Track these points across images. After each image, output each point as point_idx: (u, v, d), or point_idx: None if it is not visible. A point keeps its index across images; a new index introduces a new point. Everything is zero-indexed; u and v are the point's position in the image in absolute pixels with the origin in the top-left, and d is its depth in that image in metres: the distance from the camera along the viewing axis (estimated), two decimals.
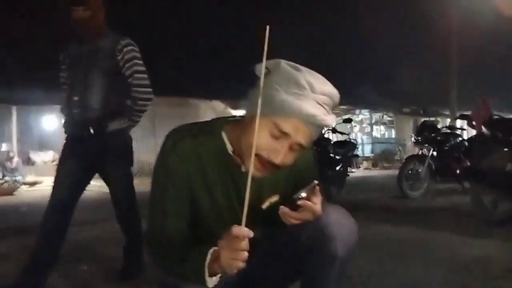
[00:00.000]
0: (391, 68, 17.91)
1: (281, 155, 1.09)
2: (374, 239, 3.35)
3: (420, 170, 6.14)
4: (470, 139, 6.33)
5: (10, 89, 11.16)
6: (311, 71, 1.12)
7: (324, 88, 1.09)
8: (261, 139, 1.08)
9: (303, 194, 1.12)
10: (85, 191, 2.56)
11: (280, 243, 1.29)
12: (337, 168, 6.30)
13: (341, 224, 1.18)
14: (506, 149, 3.77)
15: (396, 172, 6.15)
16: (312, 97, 1.07)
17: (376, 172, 13.33)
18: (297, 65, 1.11)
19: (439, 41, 16.03)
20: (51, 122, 14.15)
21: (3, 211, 6.34)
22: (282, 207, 1.13)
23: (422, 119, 18.28)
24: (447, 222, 4.15)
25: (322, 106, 1.08)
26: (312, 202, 1.12)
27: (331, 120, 1.10)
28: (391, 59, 18.17)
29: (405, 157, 15.72)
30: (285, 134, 1.08)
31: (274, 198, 1.24)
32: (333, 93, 1.11)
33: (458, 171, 5.92)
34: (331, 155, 6.28)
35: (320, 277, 1.19)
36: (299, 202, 1.12)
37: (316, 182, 1.12)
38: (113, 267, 2.71)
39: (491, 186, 3.83)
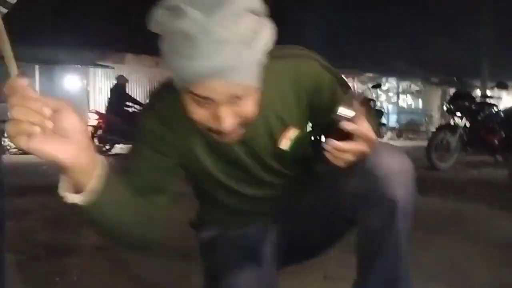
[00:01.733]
0: (421, 36, 17.29)
1: (222, 121, 0.85)
2: None
3: (450, 141, 5.86)
4: (506, 110, 5.98)
5: (34, 48, 11.13)
6: None
7: (219, 15, 0.77)
8: (194, 112, 0.87)
9: (347, 112, 0.82)
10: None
11: (321, 194, 1.08)
12: None
13: (395, 163, 0.93)
14: None
15: (421, 143, 5.86)
16: (204, 42, 0.76)
17: (400, 143, 12.95)
18: (178, 3, 0.79)
19: (470, 8, 15.31)
20: (74, 82, 14.14)
21: (25, 169, 6.36)
22: (328, 139, 0.84)
23: (452, 90, 17.75)
24: (482, 195, 3.90)
25: (225, 43, 0.77)
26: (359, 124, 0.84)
27: (248, 53, 0.80)
28: (421, 26, 17.50)
29: (431, 129, 15.33)
30: (207, 98, 0.83)
31: (292, 132, 1.03)
32: (239, 10, 0.78)
33: (493, 143, 5.61)
34: None
35: (382, 227, 0.94)
36: (348, 127, 0.81)
37: (352, 92, 0.86)
38: None
39: None
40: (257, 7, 0.82)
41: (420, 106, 19.81)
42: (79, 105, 13.29)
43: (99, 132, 8.50)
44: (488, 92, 8.54)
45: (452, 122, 6.18)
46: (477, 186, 4.49)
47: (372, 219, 0.94)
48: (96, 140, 8.44)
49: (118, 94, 8.74)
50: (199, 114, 0.86)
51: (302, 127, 1.04)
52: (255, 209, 1.13)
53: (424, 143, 6.34)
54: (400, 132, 16.32)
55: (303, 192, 1.13)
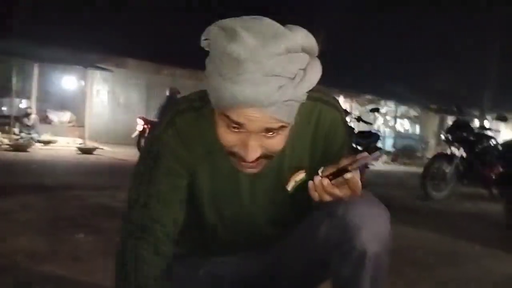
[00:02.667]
0: (422, 62, 17.42)
1: (249, 150, 0.84)
2: (395, 244, 3.06)
3: (446, 171, 5.80)
4: (505, 143, 5.94)
5: (34, 45, 11.07)
6: (257, 21, 0.79)
7: (273, 47, 0.76)
8: (223, 134, 0.85)
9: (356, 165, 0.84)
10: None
11: (298, 236, 1.04)
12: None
13: (370, 214, 0.90)
14: None
15: (416, 169, 5.80)
16: (252, 70, 0.75)
17: (395, 167, 12.91)
18: (234, 23, 0.79)
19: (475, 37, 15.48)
20: (71, 82, 14.07)
21: (15, 167, 6.24)
22: (320, 177, 0.86)
23: (450, 118, 17.81)
24: (477, 232, 3.83)
25: (273, 77, 0.76)
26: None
27: (292, 91, 0.78)
28: (422, 52, 17.65)
29: (427, 155, 15.33)
30: (240, 125, 0.82)
31: (300, 175, 1.01)
32: (293, 46, 0.78)
33: (489, 176, 5.55)
34: (353, 145, 6.03)
35: (347, 279, 0.90)
36: (348, 176, 0.84)
37: (380, 151, 0.84)
38: (111, 239, 2.51)
39: None
40: (311, 46, 0.82)
41: (417, 131, 19.86)
42: (75, 106, 13.20)
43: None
44: (487, 124, 8.53)
45: (449, 152, 6.12)
46: (472, 220, 4.42)
47: (342, 267, 0.91)
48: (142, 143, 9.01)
49: (170, 104, 9.04)
50: (228, 137, 0.85)
51: (310, 171, 1.01)
52: (233, 243, 1.09)
53: (419, 170, 6.28)
54: (395, 156, 16.30)
55: (285, 233, 1.08)
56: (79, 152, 9.37)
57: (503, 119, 6.26)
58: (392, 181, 7.96)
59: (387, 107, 19.02)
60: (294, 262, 1.05)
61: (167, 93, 9.43)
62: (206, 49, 0.83)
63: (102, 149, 10.23)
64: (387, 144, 17.72)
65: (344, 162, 0.86)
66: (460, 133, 5.93)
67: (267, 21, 0.80)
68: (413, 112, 19.53)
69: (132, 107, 13.57)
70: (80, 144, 10.75)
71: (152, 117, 9.47)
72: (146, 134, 8.92)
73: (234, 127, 0.83)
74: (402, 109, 19.41)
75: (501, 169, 5.43)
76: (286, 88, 0.78)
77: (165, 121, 0.96)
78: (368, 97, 16.98)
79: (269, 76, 0.76)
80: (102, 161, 8.20)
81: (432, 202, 5.56)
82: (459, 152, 5.88)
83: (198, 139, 0.95)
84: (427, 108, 18.25)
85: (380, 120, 18.17)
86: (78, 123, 12.89)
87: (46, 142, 10.39)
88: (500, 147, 5.86)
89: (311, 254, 0.99)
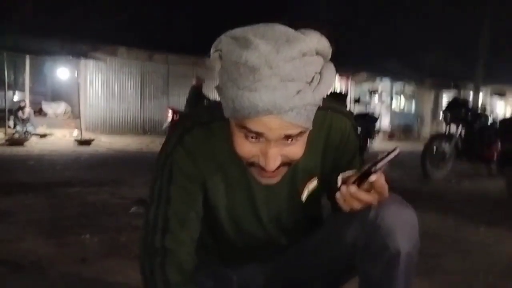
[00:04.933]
0: (417, 40, 17.31)
1: (270, 159, 0.82)
2: None
3: (445, 150, 5.82)
4: (503, 121, 5.94)
5: (24, 37, 10.91)
6: (269, 28, 0.78)
7: (288, 51, 0.74)
8: (241, 145, 0.84)
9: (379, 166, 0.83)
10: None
11: (320, 241, 1.04)
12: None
13: (400, 214, 0.91)
14: None
15: (413, 147, 5.84)
16: (268, 76, 0.73)
17: (392, 145, 12.91)
18: (245, 31, 0.78)
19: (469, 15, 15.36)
20: (64, 74, 13.92)
21: (12, 164, 6.21)
22: (347, 185, 0.85)
23: (445, 94, 17.78)
24: (480, 214, 3.84)
25: (290, 81, 0.75)
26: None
27: (311, 95, 0.77)
28: (417, 28, 17.52)
29: (423, 132, 15.33)
30: (259, 134, 0.80)
31: (313, 183, 1.01)
32: (307, 50, 0.76)
33: (487, 154, 5.58)
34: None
35: (381, 279, 0.91)
36: (373, 178, 0.83)
37: (398, 149, 0.84)
38: (115, 238, 2.51)
39: None
40: (325, 49, 0.80)
41: (413, 109, 19.85)
42: (69, 97, 13.09)
43: None
44: (484, 99, 8.54)
45: (446, 130, 6.14)
46: (474, 201, 4.43)
47: (375, 269, 0.91)
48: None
49: (196, 93, 9.34)
50: (246, 148, 0.84)
51: (322, 180, 1.03)
52: (248, 252, 1.09)
53: (416, 147, 6.28)
54: (392, 134, 16.35)
55: (303, 239, 1.08)
56: (77, 143, 9.34)
57: (501, 94, 6.25)
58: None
59: (383, 83, 18.96)
60: (318, 266, 1.05)
61: (193, 83, 9.43)
62: (215, 61, 0.81)
63: (99, 140, 10.21)
64: (384, 122, 17.73)
65: (364, 167, 0.85)
66: (459, 111, 5.94)
67: (279, 27, 0.79)
68: (408, 90, 19.49)
69: (127, 95, 13.48)
70: (76, 135, 10.71)
71: (177, 107, 9.74)
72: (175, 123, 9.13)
73: (252, 137, 0.82)
74: (398, 86, 19.36)
75: (499, 147, 5.45)
76: (304, 92, 0.76)
77: (173, 140, 0.94)
78: (364, 74, 16.91)
79: (286, 81, 0.74)
80: (100, 152, 8.18)
81: (432, 182, 5.59)
82: (458, 130, 5.90)
83: (209, 154, 0.94)
84: (422, 84, 18.20)
85: (375, 98, 18.09)
86: (73, 115, 12.81)
87: (42, 135, 10.34)
88: (498, 125, 5.87)
89: (336, 257, 0.99)
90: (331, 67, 0.82)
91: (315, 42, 0.78)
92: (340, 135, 1.01)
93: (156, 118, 13.03)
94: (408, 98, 19.87)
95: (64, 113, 13.09)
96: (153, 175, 0.97)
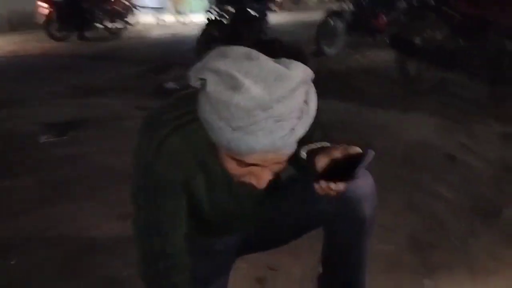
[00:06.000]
0: None
1: (263, 181, 0.88)
2: None
3: (337, 26, 6.07)
4: None
5: None
6: (254, 63, 0.76)
7: (279, 92, 0.74)
8: (233, 169, 0.87)
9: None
10: None
11: (293, 207, 1.16)
12: (254, 24, 6.08)
13: (366, 186, 1.06)
14: (436, 17, 3.72)
15: (304, 16, 5.94)
16: (263, 118, 0.74)
17: (283, 17, 12.94)
18: (229, 66, 0.76)
19: None
20: None
21: None
22: (332, 183, 0.92)
23: None
24: (375, 92, 4.22)
25: (284, 121, 0.76)
26: None
27: (302, 129, 0.79)
28: None
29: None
30: (254, 165, 0.84)
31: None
32: (295, 85, 0.76)
33: (374, 26, 5.94)
34: (248, 10, 5.98)
35: (350, 240, 1.11)
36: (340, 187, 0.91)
37: (372, 153, 0.89)
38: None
39: (417, 55, 3.86)
40: (309, 77, 0.80)
41: None
42: None
43: (53, 21, 8.77)
44: None
45: (339, 7, 6.32)
46: (368, 77, 4.80)
47: (343, 232, 1.09)
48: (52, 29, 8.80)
49: None
50: (237, 171, 0.87)
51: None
52: (228, 225, 1.18)
53: (307, 16, 6.37)
54: (281, 3, 16.25)
55: (278, 203, 1.18)
56: None
57: None
58: (283, 38, 7.98)
59: None
60: (288, 227, 1.19)
61: None
62: (197, 90, 0.81)
63: None
64: None
65: (334, 153, 0.93)
66: None
67: (263, 61, 0.77)
68: None
69: None
70: None
71: None
72: (52, 17, 8.68)
73: (246, 165, 0.84)
74: None
75: (385, 19, 5.81)
76: (297, 128, 0.78)
77: (152, 148, 0.91)
78: None
79: (281, 121, 0.76)
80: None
81: (326, 58, 5.90)
82: (348, 6, 6.12)
83: (189, 157, 0.93)
84: None
85: None
86: None
87: None
88: None
89: (307, 218, 1.15)
90: (313, 91, 0.83)
91: (301, 74, 0.77)
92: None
93: (25, 10, 11.38)
94: None
95: None
96: (134, 182, 0.96)
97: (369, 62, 5.63)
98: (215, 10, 6.10)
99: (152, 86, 4.54)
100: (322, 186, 0.91)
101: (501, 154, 2.69)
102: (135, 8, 10.68)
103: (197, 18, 11.40)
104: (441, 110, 3.57)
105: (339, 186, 0.91)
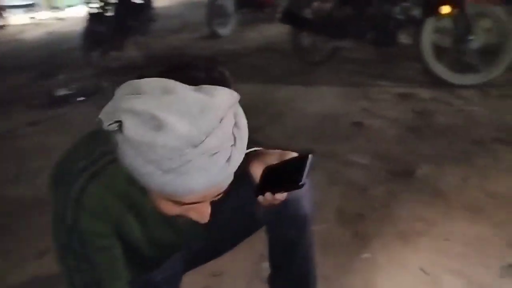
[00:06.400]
0: None
1: (205, 216, 0.81)
2: None
3: (225, 5, 6.03)
4: None
5: None
6: (173, 97, 0.68)
7: (207, 125, 0.67)
8: (169, 210, 0.79)
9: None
10: None
11: (231, 219, 1.13)
12: (140, 13, 5.80)
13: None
14: None
15: None
16: (196, 155, 0.67)
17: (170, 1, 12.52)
18: (147, 105, 0.67)
19: None
20: None
21: None
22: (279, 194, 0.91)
23: None
24: (274, 68, 4.28)
25: (218, 153, 0.69)
26: None
27: (238, 155, 0.73)
28: None
29: None
30: (194, 203, 0.77)
31: None
32: (222, 114, 0.70)
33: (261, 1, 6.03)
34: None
35: (295, 238, 1.13)
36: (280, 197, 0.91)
37: (311, 156, 0.86)
38: None
39: (308, 27, 3.95)
40: (235, 101, 0.74)
41: None
42: None
43: None
44: None
45: None
46: (266, 55, 4.84)
47: (288, 232, 1.11)
48: None
49: None
50: (174, 211, 0.79)
51: None
52: (169, 256, 1.12)
53: None
54: None
55: (217, 216, 1.11)
56: None
57: None
58: (174, 23, 7.81)
59: None
60: (228, 238, 1.18)
61: None
62: (113, 134, 0.70)
63: None
64: None
65: (269, 159, 0.92)
66: None
67: (183, 93, 0.69)
68: None
69: None
70: None
71: None
72: None
73: (185, 204, 0.76)
74: None
75: None
76: (233, 156, 0.72)
77: (70, 208, 0.80)
78: None
79: (215, 154, 0.69)
80: None
81: (220, 40, 5.86)
82: None
83: (115, 203, 0.84)
84: None
85: None
86: None
87: None
88: None
89: (250, 223, 1.14)
90: (241, 111, 0.76)
91: (226, 101, 0.70)
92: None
93: None
94: None
95: None
96: (58, 245, 0.84)
97: (264, 38, 5.68)
98: (95, 2, 5.68)
99: (41, 95, 4.15)
100: (267, 198, 0.89)
101: (402, 115, 2.88)
102: (2, 9, 9.64)
103: (75, 13, 10.62)
104: (338, 78, 3.74)
105: (284, 195, 0.89)
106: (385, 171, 2.20)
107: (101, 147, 0.80)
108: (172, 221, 0.93)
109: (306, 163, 0.85)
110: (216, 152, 0.69)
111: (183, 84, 0.72)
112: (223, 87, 0.73)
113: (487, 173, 2.09)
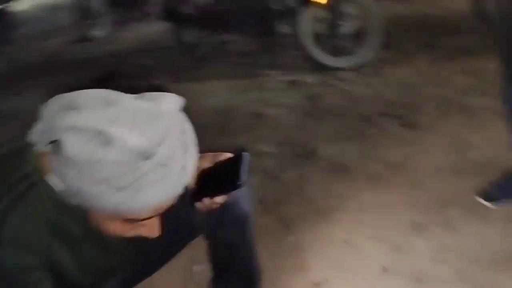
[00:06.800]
0: None
1: (154, 229, 0.77)
2: None
3: (95, 4, 5.70)
4: None
5: None
6: (118, 109, 0.65)
7: (157, 133, 0.65)
8: (117, 230, 0.75)
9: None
10: None
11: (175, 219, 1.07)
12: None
13: None
14: None
15: None
16: (151, 168, 0.64)
17: (28, 2, 11.34)
18: (89, 120, 0.63)
19: None
20: None
21: None
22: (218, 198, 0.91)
23: None
24: (160, 66, 4.16)
25: (172, 163, 0.67)
26: None
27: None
28: None
29: None
30: (147, 218, 0.74)
31: None
32: (171, 120, 0.68)
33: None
34: None
35: (237, 239, 1.13)
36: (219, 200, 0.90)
37: (246, 154, 0.87)
38: None
39: (191, 24, 3.94)
40: (180, 105, 0.71)
41: None
42: None
43: None
44: None
45: None
46: (152, 53, 4.68)
47: (230, 234, 1.11)
48: None
49: None
50: (123, 230, 0.75)
51: None
52: (114, 271, 1.04)
53: None
54: None
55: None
56: None
57: None
58: (38, 28, 7.08)
59: None
60: (171, 243, 1.10)
61: None
62: (48, 157, 0.66)
63: None
64: None
65: (202, 161, 0.88)
66: None
67: (127, 103, 0.65)
68: None
69: None
70: None
71: None
72: None
73: (137, 221, 0.72)
74: None
75: None
76: (187, 164, 0.69)
77: None
78: None
79: (168, 164, 0.65)
80: None
81: (98, 43, 5.53)
82: None
83: (40, 231, 0.76)
84: None
85: None
86: None
87: None
88: None
89: (186, 227, 1.09)
90: (184, 117, 0.73)
91: (173, 106, 0.68)
92: None
93: None
94: None
95: None
96: None
97: (143, 37, 5.48)
98: None
99: None
100: (205, 203, 0.88)
101: (295, 101, 3.02)
102: None
103: None
104: (228, 71, 3.79)
105: (224, 198, 0.89)
106: (291, 156, 2.31)
107: (17, 171, 0.73)
108: (104, 244, 0.88)
109: (241, 162, 0.84)
110: (170, 162, 0.66)
111: (125, 94, 0.68)
112: (167, 93, 0.71)
113: (378, 145, 2.31)
